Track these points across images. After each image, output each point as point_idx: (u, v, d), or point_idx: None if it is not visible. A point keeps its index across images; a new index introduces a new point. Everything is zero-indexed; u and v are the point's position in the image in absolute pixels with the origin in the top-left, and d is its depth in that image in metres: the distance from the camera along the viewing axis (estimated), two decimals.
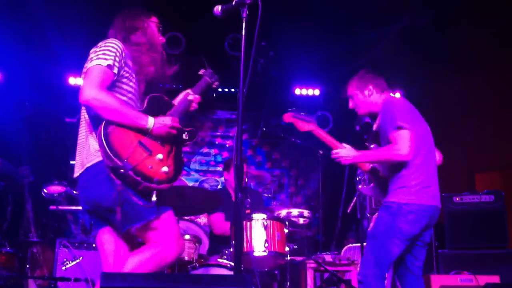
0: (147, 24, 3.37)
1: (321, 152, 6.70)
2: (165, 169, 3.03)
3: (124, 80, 3.17)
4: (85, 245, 5.79)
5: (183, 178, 8.89)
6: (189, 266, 4.78)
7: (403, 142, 3.72)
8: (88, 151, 3.11)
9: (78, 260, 5.78)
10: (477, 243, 5.85)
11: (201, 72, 3.68)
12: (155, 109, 3.19)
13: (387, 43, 7.73)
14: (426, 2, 7.15)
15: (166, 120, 3.14)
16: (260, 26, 2.96)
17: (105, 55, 3.05)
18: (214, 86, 3.66)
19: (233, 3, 3.04)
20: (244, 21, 3.01)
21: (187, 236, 5.18)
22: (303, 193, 9.26)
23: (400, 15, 7.33)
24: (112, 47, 3.11)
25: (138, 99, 3.28)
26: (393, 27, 7.57)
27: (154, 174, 2.98)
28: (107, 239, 3.21)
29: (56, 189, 6.14)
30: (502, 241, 5.83)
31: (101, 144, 2.93)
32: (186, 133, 3.30)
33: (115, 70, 3.07)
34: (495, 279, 5.12)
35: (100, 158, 3.03)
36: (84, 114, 3.21)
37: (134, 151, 2.98)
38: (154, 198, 2.97)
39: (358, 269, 5.27)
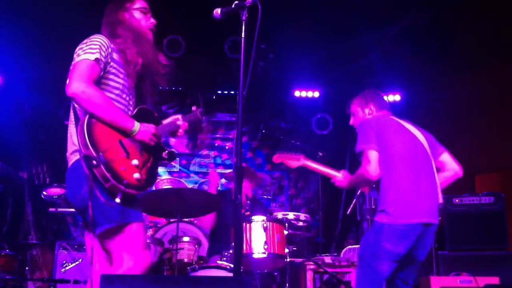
0: (130, 13, 3.30)
1: (320, 154, 6.71)
2: (137, 175, 2.97)
3: (111, 76, 3.13)
4: (84, 247, 5.78)
5: (182, 180, 8.90)
6: (188, 268, 4.78)
7: (368, 163, 3.78)
8: (70, 148, 3.14)
9: (77, 262, 5.78)
10: (477, 244, 5.85)
11: (193, 108, 3.59)
12: (142, 119, 3.13)
13: (386, 44, 7.73)
14: (425, 3, 7.16)
15: (150, 127, 3.12)
16: (260, 29, 2.97)
17: (91, 49, 3.01)
18: (202, 125, 3.61)
19: (233, 5, 3.04)
20: (243, 23, 3.01)
21: (186, 238, 5.18)
22: (303, 195, 9.26)
23: (399, 16, 7.34)
24: (97, 41, 3.07)
25: (129, 94, 3.23)
26: (392, 28, 7.58)
27: (125, 176, 2.92)
28: (88, 243, 3.19)
29: (55, 191, 6.14)
30: (501, 243, 5.83)
31: (81, 132, 2.88)
32: (166, 151, 3.28)
33: (102, 65, 3.04)
34: (494, 280, 5.12)
35: (76, 157, 3.04)
36: (72, 107, 3.15)
37: (112, 148, 2.94)
38: (118, 200, 2.91)
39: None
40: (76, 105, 3.07)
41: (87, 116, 2.93)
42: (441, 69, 7.93)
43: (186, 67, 8.33)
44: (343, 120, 8.85)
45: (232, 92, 8.91)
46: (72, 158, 3.11)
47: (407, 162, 3.80)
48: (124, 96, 3.18)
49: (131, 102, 3.25)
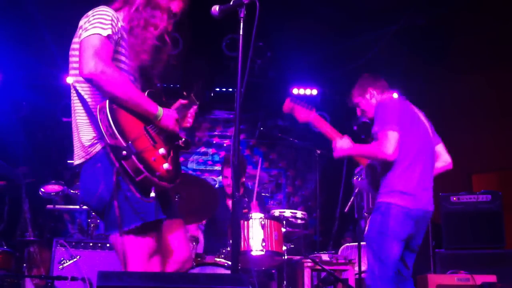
0: (167, 6, 2.96)
1: (318, 152, 6.71)
2: (166, 166, 2.68)
3: (120, 56, 2.80)
4: (82, 244, 5.78)
5: None
6: None
7: (388, 142, 3.75)
8: (79, 144, 2.78)
9: (75, 259, 5.77)
10: (474, 242, 5.87)
11: (184, 93, 3.28)
12: (158, 103, 2.84)
13: (384, 43, 7.73)
14: (423, 3, 7.16)
15: (172, 112, 2.87)
16: (258, 27, 2.96)
17: (102, 24, 2.65)
18: (204, 99, 3.31)
19: (231, 3, 3.03)
20: (241, 21, 3.00)
21: None
22: (301, 193, 9.26)
23: (398, 15, 7.34)
24: (107, 15, 2.70)
25: (135, 78, 2.90)
26: (390, 28, 7.58)
27: (157, 167, 2.64)
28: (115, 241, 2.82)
29: (53, 188, 6.12)
30: (499, 241, 5.84)
31: (104, 119, 2.54)
32: (183, 139, 3.02)
33: (113, 43, 2.70)
34: (492, 278, 5.14)
35: (91, 154, 2.72)
36: (77, 93, 2.78)
37: (140, 136, 2.63)
38: (152, 194, 2.62)
39: (355, 268, 5.29)
40: (83, 92, 2.74)
41: (107, 101, 2.60)
42: (438, 69, 7.94)
43: (183, 64, 8.32)
44: (341, 118, 8.94)
45: (230, 90, 8.91)
46: (88, 151, 2.74)
47: (420, 148, 3.93)
48: (132, 79, 2.85)
49: (138, 86, 2.91)
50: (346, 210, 5.86)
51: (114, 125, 2.55)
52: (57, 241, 5.82)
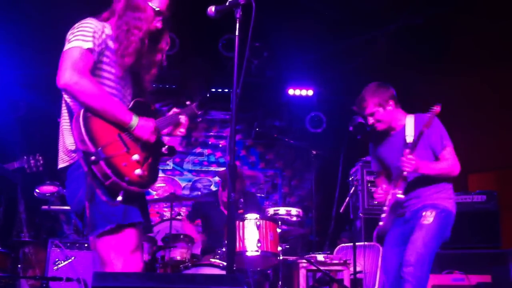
0: (147, 7, 2.96)
1: (314, 152, 6.71)
2: (138, 171, 2.78)
3: (104, 66, 2.89)
4: (77, 245, 5.78)
5: (176, 178, 8.89)
6: (181, 265, 4.79)
7: (455, 160, 4.02)
8: (64, 147, 2.91)
9: (70, 260, 5.77)
10: (470, 243, 5.88)
11: (187, 103, 3.40)
12: (139, 113, 2.92)
13: (381, 43, 7.74)
14: (421, 3, 7.17)
15: (149, 123, 2.92)
16: (254, 27, 2.96)
17: (84, 36, 2.75)
18: (197, 119, 3.46)
19: (227, 3, 3.04)
20: (238, 21, 3.01)
21: (179, 236, 5.18)
22: (297, 193, 9.27)
23: (395, 15, 7.35)
24: (90, 27, 2.81)
25: (124, 85, 2.99)
26: (387, 28, 7.59)
27: (127, 172, 2.73)
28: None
29: (48, 189, 6.11)
30: (494, 241, 5.86)
31: (77, 126, 2.68)
32: (166, 147, 3.10)
33: (95, 55, 2.79)
34: (487, 278, 5.16)
35: (74, 159, 2.84)
36: (65, 102, 2.93)
37: (112, 143, 2.74)
38: (119, 198, 2.71)
39: (350, 268, 5.29)
40: (67, 99, 2.88)
41: (82, 110, 2.72)
42: (435, 69, 7.95)
43: (180, 65, 8.32)
44: (337, 119, 8.96)
45: (226, 90, 8.90)
46: (72, 156, 2.88)
47: None
48: (118, 87, 2.95)
49: (126, 94, 3.03)
50: (341, 210, 5.86)
51: (85, 132, 2.67)
52: (53, 242, 5.81)
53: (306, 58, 8.25)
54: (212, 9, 3.09)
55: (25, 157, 5.42)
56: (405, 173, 3.93)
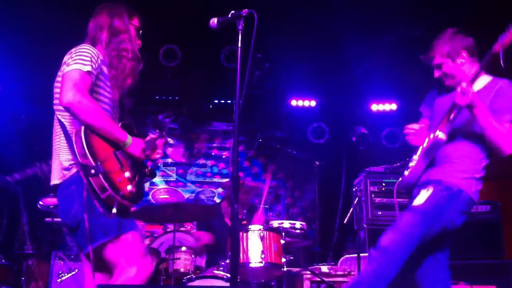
0: (126, 25, 3.23)
1: (317, 163, 6.72)
2: (130, 187, 2.98)
3: (99, 89, 3.09)
4: (80, 257, 5.76)
5: (179, 189, 8.88)
6: (185, 278, 4.77)
7: None
8: (59, 165, 3.06)
9: (73, 273, 5.76)
10: (473, 253, 5.85)
11: (157, 131, 3.56)
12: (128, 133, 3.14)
13: (381, 54, 7.76)
14: (420, 13, 7.18)
15: (140, 142, 3.14)
16: (256, 38, 2.98)
17: (82, 60, 2.96)
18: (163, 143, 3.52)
19: (229, 15, 3.06)
20: (240, 33, 3.03)
21: (183, 248, 5.17)
22: (300, 204, 9.25)
23: (394, 26, 7.37)
24: (88, 53, 3.01)
25: (114, 107, 3.20)
26: (387, 38, 7.60)
27: (121, 187, 2.93)
28: (85, 261, 3.17)
29: (51, 201, 6.12)
30: (497, 252, 5.83)
31: (78, 141, 2.86)
32: (148, 168, 3.29)
33: (93, 78, 3.00)
34: None
35: (68, 175, 3.00)
36: (58, 120, 3.09)
37: (109, 159, 2.94)
38: (114, 211, 2.90)
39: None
40: (63, 119, 3.04)
41: (83, 127, 2.90)
42: (434, 79, 7.95)
43: (182, 76, 8.34)
44: (339, 129, 8.95)
45: (229, 102, 8.92)
46: (64, 174, 3.04)
47: None
48: (110, 109, 3.15)
49: (116, 116, 3.24)
50: (345, 221, 5.85)
51: (87, 147, 2.85)
52: (56, 254, 5.81)
53: (307, 69, 8.26)
54: (214, 21, 3.11)
55: (37, 163, 5.45)
56: (451, 116, 3.41)
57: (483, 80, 3.56)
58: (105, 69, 3.12)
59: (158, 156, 3.42)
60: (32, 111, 8.31)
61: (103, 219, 2.92)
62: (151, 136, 3.42)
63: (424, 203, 3.40)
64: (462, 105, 3.34)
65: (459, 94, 3.32)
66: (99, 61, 3.07)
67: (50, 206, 6.10)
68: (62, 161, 3.03)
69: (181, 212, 4.93)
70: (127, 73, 3.17)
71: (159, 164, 8.88)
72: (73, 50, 3.05)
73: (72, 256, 5.83)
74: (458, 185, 3.42)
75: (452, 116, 3.45)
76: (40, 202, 6.06)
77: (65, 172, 3.02)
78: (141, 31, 3.33)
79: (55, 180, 3.09)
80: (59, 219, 6.29)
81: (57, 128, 3.10)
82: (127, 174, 2.99)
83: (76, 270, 5.75)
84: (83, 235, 2.91)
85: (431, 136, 3.51)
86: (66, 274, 5.71)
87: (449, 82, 3.65)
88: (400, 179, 3.76)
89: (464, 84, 3.32)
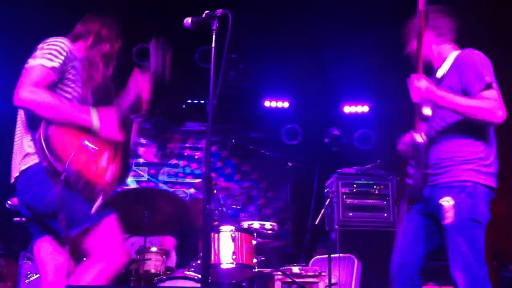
0: (114, 44, 3.29)
1: (290, 164, 6.73)
2: (109, 174, 2.92)
3: (69, 82, 3.00)
4: None
5: None
6: (155, 278, 4.74)
7: (500, 102, 3.14)
8: (22, 153, 2.97)
9: None
10: (443, 254, 5.91)
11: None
12: (99, 100, 3.08)
13: (356, 56, 7.81)
14: (395, 18, 7.25)
15: (111, 116, 3.05)
16: (231, 39, 2.98)
17: (51, 55, 2.89)
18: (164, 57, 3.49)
19: (203, 15, 3.06)
20: (214, 33, 3.03)
21: (154, 249, 5.14)
22: (273, 205, 9.27)
23: (370, 29, 7.43)
24: (58, 46, 2.94)
25: (83, 103, 3.10)
26: (364, 42, 7.66)
27: (98, 179, 2.87)
28: (46, 249, 3.06)
29: None
30: None
31: (40, 149, 2.78)
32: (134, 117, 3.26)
33: (57, 73, 2.91)
34: None
35: (35, 161, 2.90)
36: (20, 115, 3.05)
37: (77, 153, 2.83)
38: (97, 203, 2.86)
39: (325, 280, 5.29)
40: (22, 114, 3.00)
41: (42, 129, 2.80)
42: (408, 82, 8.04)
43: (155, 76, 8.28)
44: (313, 131, 8.99)
45: (202, 102, 8.90)
46: (27, 161, 2.93)
47: None
48: (74, 101, 3.04)
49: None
50: (317, 222, 5.87)
51: (49, 153, 2.75)
52: (24, 255, 5.72)
53: (282, 70, 8.28)
54: (188, 20, 3.11)
55: None
56: (422, 114, 3.26)
57: (451, 56, 3.43)
58: (77, 63, 3.05)
59: (147, 99, 3.34)
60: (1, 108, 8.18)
61: (83, 204, 2.86)
62: (131, 84, 3.28)
63: (455, 218, 3.19)
64: (417, 102, 3.25)
65: (417, 86, 3.22)
66: (72, 57, 3.00)
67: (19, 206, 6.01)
68: (25, 147, 2.95)
69: (153, 206, 4.83)
70: (96, 80, 3.13)
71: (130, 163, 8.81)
72: (47, 41, 2.99)
73: None
74: (470, 179, 3.20)
75: (423, 113, 3.29)
76: (9, 202, 5.96)
77: (32, 158, 2.92)
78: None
79: (20, 167, 2.97)
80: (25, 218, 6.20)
81: (20, 118, 3.06)
82: (104, 158, 2.92)
83: None
84: (61, 221, 2.84)
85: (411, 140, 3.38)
86: (34, 275, 5.62)
87: (420, 58, 3.38)
88: (409, 185, 3.47)
89: (415, 81, 3.24)
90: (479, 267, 3.16)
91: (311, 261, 6.19)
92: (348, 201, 6.76)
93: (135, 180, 8.87)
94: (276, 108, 8.97)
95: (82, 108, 2.97)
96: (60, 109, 2.84)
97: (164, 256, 5.14)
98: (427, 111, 3.26)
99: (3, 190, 6.11)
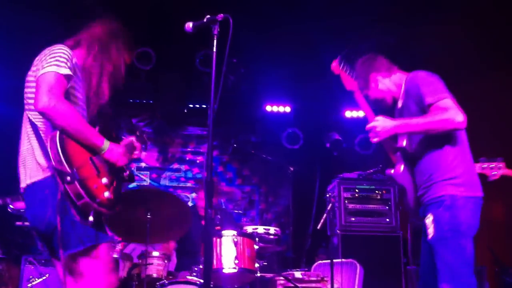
0: (122, 55, 3.27)
1: (291, 168, 6.72)
2: (107, 194, 2.90)
3: (73, 91, 3.02)
4: (51, 262, 5.68)
5: None
6: (157, 283, 4.73)
7: (454, 108, 3.26)
8: (31, 163, 2.96)
9: (44, 278, 5.67)
10: None
11: (137, 133, 3.51)
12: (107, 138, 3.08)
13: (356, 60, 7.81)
14: (394, 22, 7.27)
15: (119, 147, 3.10)
16: (231, 43, 2.98)
17: (58, 62, 2.90)
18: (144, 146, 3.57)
19: (205, 20, 3.05)
20: (215, 38, 3.02)
21: (155, 253, 5.13)
22: (274, 209, 9.26)
23: (369, 33, 7.44)
24: (64, 53, 2.96)
25: (85, 108, 3.13)
26: (363, 45, 7.66)
27: (97, 194, 2.85)
28: (59, 268, 3.02)
29: (22, 205, 6.02)
30: None
31: (53, 146, 2.78)
32: (127, 173, 3.22)
33: (68, 80, 2.93)
34: None
35: (42, 176, 2.90)
36: (30, 121, 3.01)
37: (85, 165, 2.86)
38: (91, 219, 2.82)
39: (328, 285, 5.28)
40: (36, 120, 2.97)
41: (58, 132, 2.82)
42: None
43: (156, 80, 8.30)
44: (314, 135, 8.98)
45: (203, 106, 8.90)
46: (34, 175, 2.94)
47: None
48: (84, 112, 3.10)
49: (87, 118, 3.17)
50: (319, 227, 5.86)
51: (62, 153, 2.77)
52: (26, 259, 5.72)
53: (283, 74, 8.29)
54: (189, 25, 3.10)
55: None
56: (401, 143, 3.45)
57: (402, 81, 3.68)
58: (78, 71, 3.06)
59: (135, 156, 3.37)
60: (1, 111, 8.19)
61: (80, 227, 2.84)
62: (129, 139, 3.37)
63: (435, 233, 3.34)
64: (380, 141, 3.50)
65: (375, 131, 3.48)
66: (74, 62, 3.02)
67: (21, 210, 6.00)
68: (39, 161, 2.93)
69: (155, 207, 4.80)
70: (105, 92, 3.17)
71: (132, 168, 8.82)
72: (47, 51, 2.99)
73: (42, 261, 5.74)
74: (446, 193, 3.34)
75: (398, 145, 3.55)
76: (11, 206, 5.96)
77: (39, 173, 2.92)
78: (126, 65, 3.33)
79: (26, 180, 2.97)
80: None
81: (28, 129, 3.02)
82: (104, 180, 2.92)
83: (47, 275, 5.67)
84: (58, 241, 2.82)
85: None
86: (36, 279, 5.62)
87: (384, 104, 3.80)
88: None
89: (372, 125, 3.49)
90: (467, 276, 3.24)
91: (313, 266, 6.18)
92: (350, 206, 6.76)
93: (137, 185, 8.87)
94: (277, 113, 8.98)
95: (96, 132, 3.02)
96: (80, 125, 2.88)
97: (166, 261, 5.13)
98: (402, 142, 3.50)
99: (5, 194, 6.15)
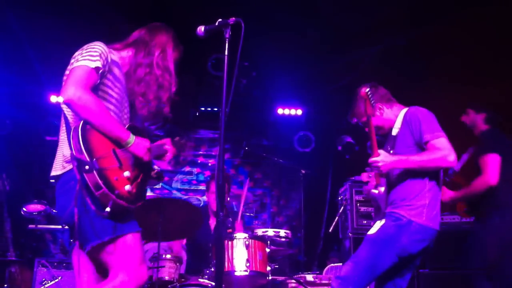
0: (168, 52, 3.40)
1: (303, 171, 6.72)
2: (128, 187, 2.87)
3: (106, 88, 3.05)
4: (64, 264, 5.72)
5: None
6: (169, 286, 4.74)
7: (449, 149, 3.71)
8: (61, 157, 3.01)
9: (57, 280, 5.70)
10: (458, 263, 5.88)
11: (176, 139, 3.63)
12: (135, 134, 3.05)
13: (368, 63, 7.80)
14: (404, 24, 7.25)
15: (145, 142, 3.07)
16: (243, 47, 2.99)
17: (91, 56, 2.94)
18: (184, 151, 3.64)
19: (216, 23, 3.06)
20: (227, 41, 3.03)
21: (168, 256, 5.14)
22: (285, 213, 9.25)
23: (380, 36, 7.43)
24: (98, 49, 2.99)
25: (122, 109, 3.15)
26: (373, 48, 7.66)
27: (117, 186, 2.81)
28: (75, 257, 3.05)
29: (35, 208, 6.07)
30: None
31: (75, 135, 2.79)
32: (156, 171, 3.23)
33: (99, 74, 2.96)
34: None
35: (68, 168, 2.93)
36: (63, 115, 3.05)
37: (106, 156, 2.85)
38: (108, 209, 2.77)
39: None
40: (67, 113, 2.99)
41: (82, 122, 2.83)
42: (419, 89, 8.01)
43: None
44: (326, 138, 8.98)
45: (215, 109, 8.92)
46: (64, 166, 2.96)
47: None
48: (116, 111, 3.10)
49: (124, 117, 3.19)
50: (330, 230, 5.86)
51: (82, 142, 2.77)
52: (39, 261, 5.76)
53: (294, 78, 8.29)
54: (201, 29, 3.11)
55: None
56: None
57: (401, 114, 4.04)
58: (116, 70, 3.11)
59: (166, 159, 3.45)
60: (17, 116, 8.26)
61: (96, 220, 2.82)
62: (163, 140, 3.45)
63: (375, 233, 3.75)
64: (385, 171, 3.83)
65: (378, 165, 3.80)
66: (110, 60, 3.04)
67: (34, 213, 6.05)
68: (64, 153, 2.97)
69: (166, 214, 4.85)
70: (154, 95, 3.27)
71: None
72: (85, 46, 3.03)
73: (55, 264, 5.77)
74: (407, 216, 3.70)
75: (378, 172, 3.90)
76: (24, 209, 6.01)
77: (66, 165, 2.95)
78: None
79: (56, 171, 3.01)
80: (43, 226, 6.25)
81: (62, 122, 3.07)
82: (126, 173, 2.89)
83: (60, 278, 5.70)
84: (77, 232, 2.84)
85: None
86: (49, 282, 5.65)
87: (381, 132, 4.18)
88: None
89: (375, 160, 3.82)
90: (362, 279, 3.64)
91: (325, 269, 6.17)
92: (362, 208, 6.73)
93: (148, 187, 8.89)
94: (289, 116, 8.97)
95: (122, 125, 3.03)
96: (104, 117, 2.88)
97: (177, 264, 5.14)
98: (374, 190, 3.95)
99: (18, 197, 6.20)
